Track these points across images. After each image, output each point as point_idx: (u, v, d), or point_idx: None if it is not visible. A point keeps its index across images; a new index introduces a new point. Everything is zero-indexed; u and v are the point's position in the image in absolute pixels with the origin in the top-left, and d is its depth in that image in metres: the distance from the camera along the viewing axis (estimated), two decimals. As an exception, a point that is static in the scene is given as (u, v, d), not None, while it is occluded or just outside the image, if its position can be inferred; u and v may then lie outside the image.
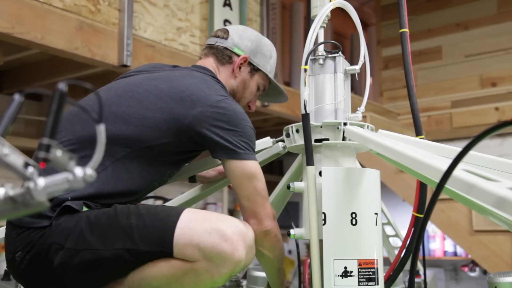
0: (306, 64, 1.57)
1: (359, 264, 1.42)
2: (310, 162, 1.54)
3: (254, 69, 1.71)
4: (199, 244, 1.25)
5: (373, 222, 1.45)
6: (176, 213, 1.30)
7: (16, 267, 1.36)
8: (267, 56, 1.74)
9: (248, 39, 1.72)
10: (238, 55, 1.69)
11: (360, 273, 1.41)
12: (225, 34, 1.72)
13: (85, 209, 1.37)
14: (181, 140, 1.45)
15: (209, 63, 1.69)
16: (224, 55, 1.69)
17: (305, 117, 1.55)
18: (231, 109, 1.46)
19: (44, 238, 1.31)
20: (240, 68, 1.69)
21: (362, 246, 1.43)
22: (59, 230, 1.31)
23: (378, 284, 1.44)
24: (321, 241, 1.54)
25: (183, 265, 1.26)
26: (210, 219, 1.30)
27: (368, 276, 1.43)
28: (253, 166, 1.46)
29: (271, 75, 1.76)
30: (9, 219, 1.33)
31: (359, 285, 1.41)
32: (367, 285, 1.42)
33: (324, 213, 1.46)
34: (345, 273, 1.42)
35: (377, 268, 1.44)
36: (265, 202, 1.48)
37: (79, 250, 1.28)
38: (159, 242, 1.27)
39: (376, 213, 1.46)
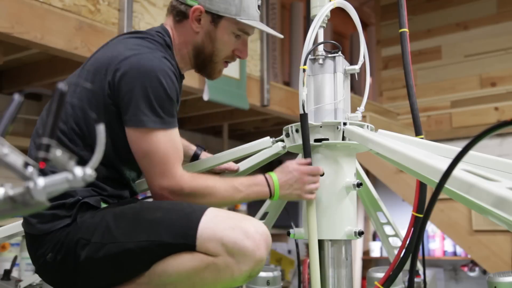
0: (305, 64, 1.56)
1: None
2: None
3: (216, 17, 1.50)
4: (222, 239, 1.25)
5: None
6: (201, 209, 1.31)
7: (48, 269, 1.38)
8: None
9: None
10: (191, 7, 1.50)
11: None
12: None
13: (103, 205, 1.39)
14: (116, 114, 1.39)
15: (168, 23, 1.56)
16: (178, 12, 1.53)
17: (304, 117, 1.55)
18: (135, 63, 1.34)
19: (71, 235, 1.33)
20: (199, 21, 1.51)
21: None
22: (85, 226, 1.33)
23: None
24: (320, 241, 1.55)
25: (204, 258, 1.26)
26: (234, 217, 1.31)
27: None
28: (148, 138, 1.34)
29: (244, 16, 1.50)
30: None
31: None
32: None
33: None
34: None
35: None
36: (155, 178, 1.37)
37: (105, 243, 1.30)
38: (182, 235, 1.27)
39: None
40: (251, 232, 1.26)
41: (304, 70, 1.56)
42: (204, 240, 1.26)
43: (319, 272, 1.51)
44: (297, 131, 1.61)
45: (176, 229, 1.28)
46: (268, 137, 1.73)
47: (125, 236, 1.30)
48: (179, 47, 1.55)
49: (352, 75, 1.68)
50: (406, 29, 1.63)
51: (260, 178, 1.49)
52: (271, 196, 1.48)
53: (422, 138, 1.55)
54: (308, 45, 1.60)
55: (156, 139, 1.35)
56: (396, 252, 1.70)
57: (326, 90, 1.63)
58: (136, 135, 1.36)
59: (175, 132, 1.39)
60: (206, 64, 1.58)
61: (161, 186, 1.37)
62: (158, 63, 1.36)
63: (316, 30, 1.61)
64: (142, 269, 1.32)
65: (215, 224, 1.27)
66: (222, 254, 1.25)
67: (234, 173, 1.78)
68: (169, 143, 1.37)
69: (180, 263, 1.28)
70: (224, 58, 1.58)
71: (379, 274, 1.72)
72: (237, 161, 1.79)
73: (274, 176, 1.50)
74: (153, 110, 1.33)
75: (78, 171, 0.69)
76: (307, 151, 1.54)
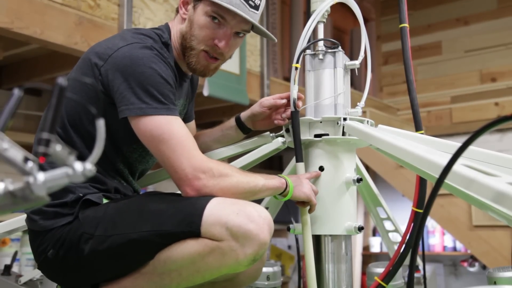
0: (298, 61, 1.56)
1: None
2: (299, 159, 1.54)
3: (196, 0, 1.48)
4: (227, 223, 1.25)
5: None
6: (205, 198, 1.31)
7: (50, 265, 1.39)
8: None
9: None
10: None
11: None
12: None
13: (105, 200, 1.40)
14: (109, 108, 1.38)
15: (171, 21, 1.58)
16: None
17: (295, 115, 1.55)
18: (128, 54, 1.34)
19: (73, 231, 1.34)
20: (187, 8, 1.51)
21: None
22: (88, 220, 1.34)
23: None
24: (316, 236, 1.55)
25: (209, 243, 1.27)
26: (237, 203, 1.31)
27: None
28: (157, 124, 1.31)
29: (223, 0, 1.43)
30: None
31: None
32: None
33: None
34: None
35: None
36: (181, 161, 1.31)
37: (109, 235, 1.31)
38: (187, 223, 1.28)
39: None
40: (254, 216, 1.27)
41: (296, 68, 1.56)
42: (209, 225, 1.26)
43: (314, 267, 1.51)
44: (297, 126, 1.60)
45: (181, 218, 1.28)
46: (268, 132, 1.73)
47: (129, 227, 1.30)
48: (174, 42, 1.53)
49: (352, 71, 1.68)
50: (406, 24, 1.63)
51: (271, 175, 1.47)
52: (286, 188, 1.44)
53: (422, 133, 1.55)
54: (302, 42, 1.60)
55: (166, 121, 1.32)
56: (396, 247, 1.71)
57: (326, 85, 1.63)
58: (143, 123, 1.32)
59: (180, 120, 1.37)
60: (186, 53, 1.50)
61: (192, 167, 1.30)
62: (149, 52, 1.37)
63: (313, 27, 1.61)
64: (147, 259, 1.32)
65: (219, 210, 1.27)
66: (226, 238, 1.26)
67: None
68: (181, 124, 1.35)
69: (184, 248, 1.28)
70: (203, 46, 1.48)
71: (379, 269, 1.73)
72: (237, 156, 1.78)
73: (282, 175, 1.50)
74: (152, 96, 1.32)
75: (78, 166, 0.69)
76: (298, 148, 1.54)
